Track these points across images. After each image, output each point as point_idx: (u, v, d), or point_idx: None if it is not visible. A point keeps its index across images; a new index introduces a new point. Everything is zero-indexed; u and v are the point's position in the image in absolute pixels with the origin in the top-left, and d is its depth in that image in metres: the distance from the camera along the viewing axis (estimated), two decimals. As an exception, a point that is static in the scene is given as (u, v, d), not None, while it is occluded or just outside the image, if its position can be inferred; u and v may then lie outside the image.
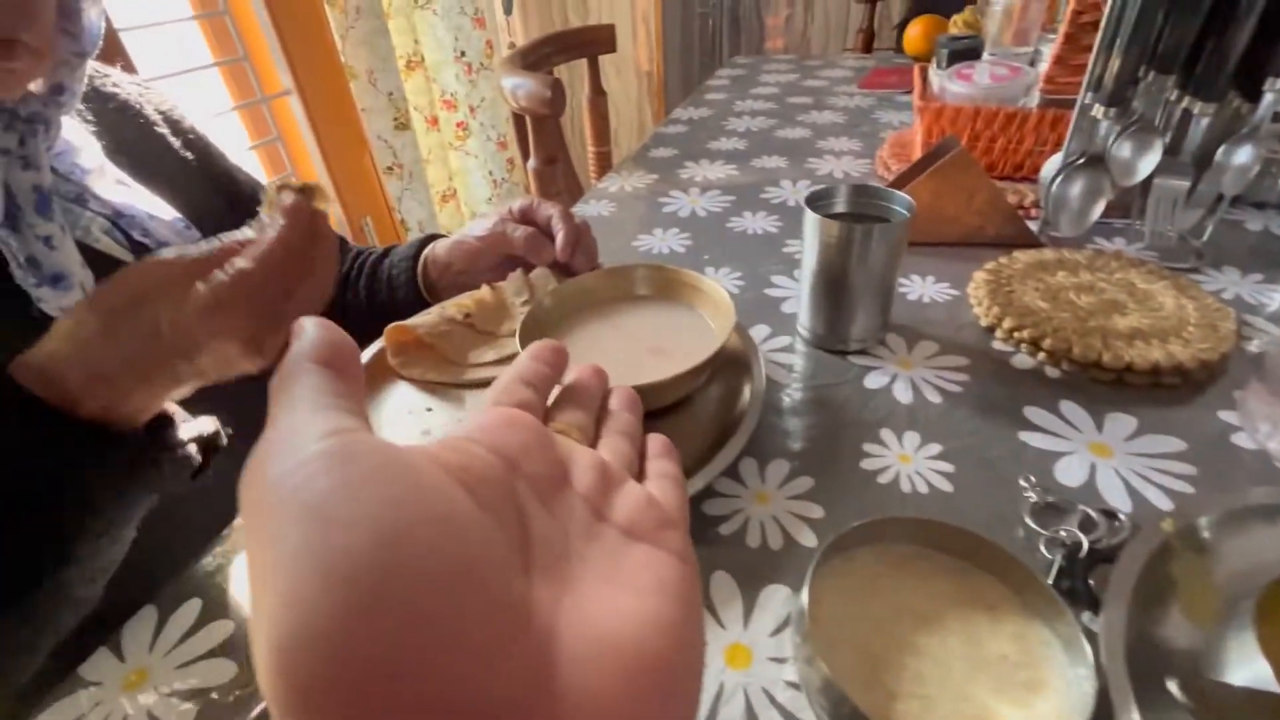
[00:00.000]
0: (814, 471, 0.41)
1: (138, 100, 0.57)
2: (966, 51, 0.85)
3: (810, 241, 0.49)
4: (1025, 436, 0.42)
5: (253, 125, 1.57)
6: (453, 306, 0.53)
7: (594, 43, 1.30)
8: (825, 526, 0.37)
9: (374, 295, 0.65)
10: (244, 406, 0.32)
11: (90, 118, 0.52)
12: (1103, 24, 0.54)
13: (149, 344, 0.30)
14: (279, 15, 1.47)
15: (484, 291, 0.54)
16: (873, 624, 0.29)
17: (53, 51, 0.42)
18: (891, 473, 0.41)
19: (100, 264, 0.44)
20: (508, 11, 2.16)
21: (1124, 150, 0.58)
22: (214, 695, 0.31)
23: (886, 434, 0.44)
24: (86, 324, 0.31)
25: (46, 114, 0.42)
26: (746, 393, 0.45)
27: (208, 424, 0.39)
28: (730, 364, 0.48)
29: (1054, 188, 0.62)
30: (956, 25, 1.05)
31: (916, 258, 0.64)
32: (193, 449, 0.37)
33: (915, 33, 1.19)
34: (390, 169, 1.70)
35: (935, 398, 0.47)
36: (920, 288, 0.60)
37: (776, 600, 0.33)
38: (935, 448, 0.42)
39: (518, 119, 1.11)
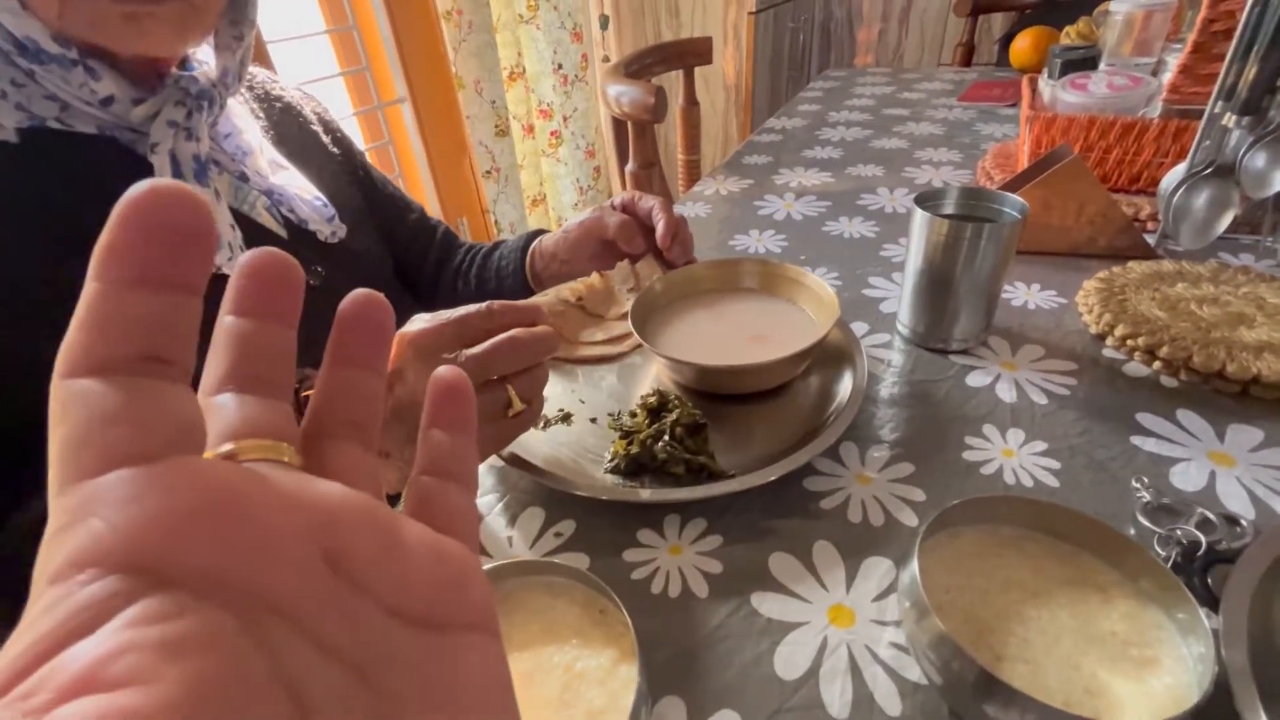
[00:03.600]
0: (914, 459, 0.42)
1: (298, 102, 0.65)
2: (1082, 61, 0.83)
3: (917, 240, 0.50)
4: (1138, 441, 0.42)
5: (368, 129, 1.70)
6: (567, 290, 0.57)
7: (692, 54, 1.34)
8: (927, 508, 0.38)
9: (484, 284, 0.70)
10: None
11: (260, 114, 0.60)
12: (1239, 30, 0.53)
13: (406, 432, 0.36)
14: (400, 29, 1.59)
15: (594, 278, 0.58)
16: (979, 594, 0.30)
17: (224, 47, 0.49)
18: (995, 465, 0.41)
19: (257, 233, 0.51)
20: (604, 27, 2.24)
21: (1258, 161, 0.56)
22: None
23: (989, 429, 0.44)
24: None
25: (211, 94, 0.49)
26: (846, 382, 0.47)
27: None
28: (830, 356, 0.50)
29: (1175, 199, 0.60)
30: (1070, 36, 1.02)
31: (1022, 265, 0.64)
32: None
33: (1024, 44, 1.16)
34: (488, 173, 1.81)
35: (1040, 399, 0.47)
36: (1025, 294, 0.60)
37: (879, 570, 0.35)
38: (1040, 445, 0.42)
39: (617, 125, 1.16)
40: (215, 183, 0.49)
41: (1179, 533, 0.34)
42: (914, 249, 0.50)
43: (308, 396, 0.35)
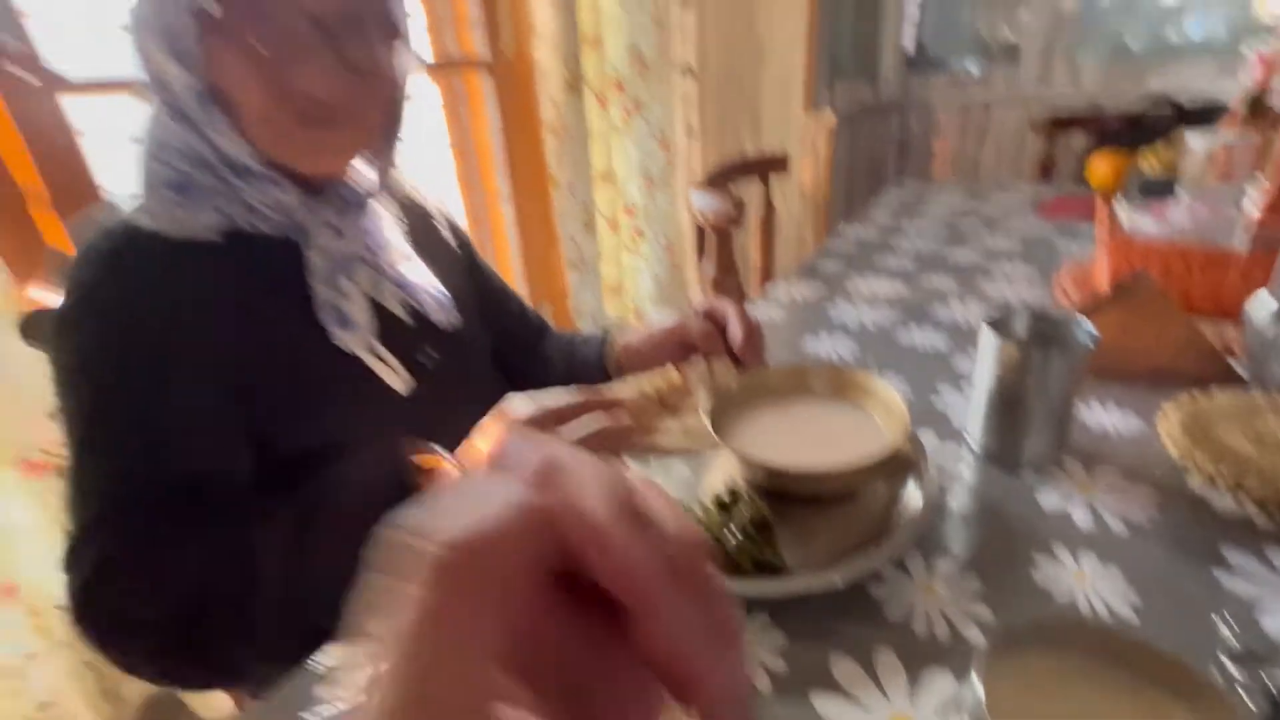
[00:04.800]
0: (982, 575, 0.42)
1: (428, 203, 0.76)
2: (1159, 189, 0.84)
3: (985, 360, 0.52)
4: (1222, 577, 0.41)
5: (471, 217, 1.89)
6: (646, 383, 0.62)
7: (771, 165, 1.44)
8: (993, 626, 0.39)
9: (570, 370, 0.77)
10: None
11: (398, 212, 0.70)
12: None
13: None
14: (510, 135, 1.80)
15: (672, 373, 0.63)
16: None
17: (378, 156, 0.59)
18: (1066, 589, 0.41)
19: (387, 319, 0.59)
20: (690, 137, 2.43)
21: (1349, 298, 0.55)
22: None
23: (1062, 552, 0.44)
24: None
25: (360, 199, 0.58)
26: (913, 492, 0.48)
27: None
28: (898, 465, 0.51)
29: (1264, 329, 0.60)
30: (1148, 161, 1.04)
31: (1101, 386, 0.64)
32: None
33: (1101, 167, 1.18)
34: (573, 263, 1.94)
35: (1118, 525, 0.46)
36: (1103, 416, 0.60)
37: (942, 683, 0.35)
38: (1116, 572, 0.42)
39: (698, 230, 1.25)
40: (358, 275, 0.58)
41: (1267, 680, 0.33)
42: (983, 368, 0.52)
43: (429, 465, 0.42)
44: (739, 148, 2.42)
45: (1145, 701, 0.31)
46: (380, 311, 0.59)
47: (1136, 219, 0.78)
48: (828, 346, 0.78)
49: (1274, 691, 0.33)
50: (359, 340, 0.56)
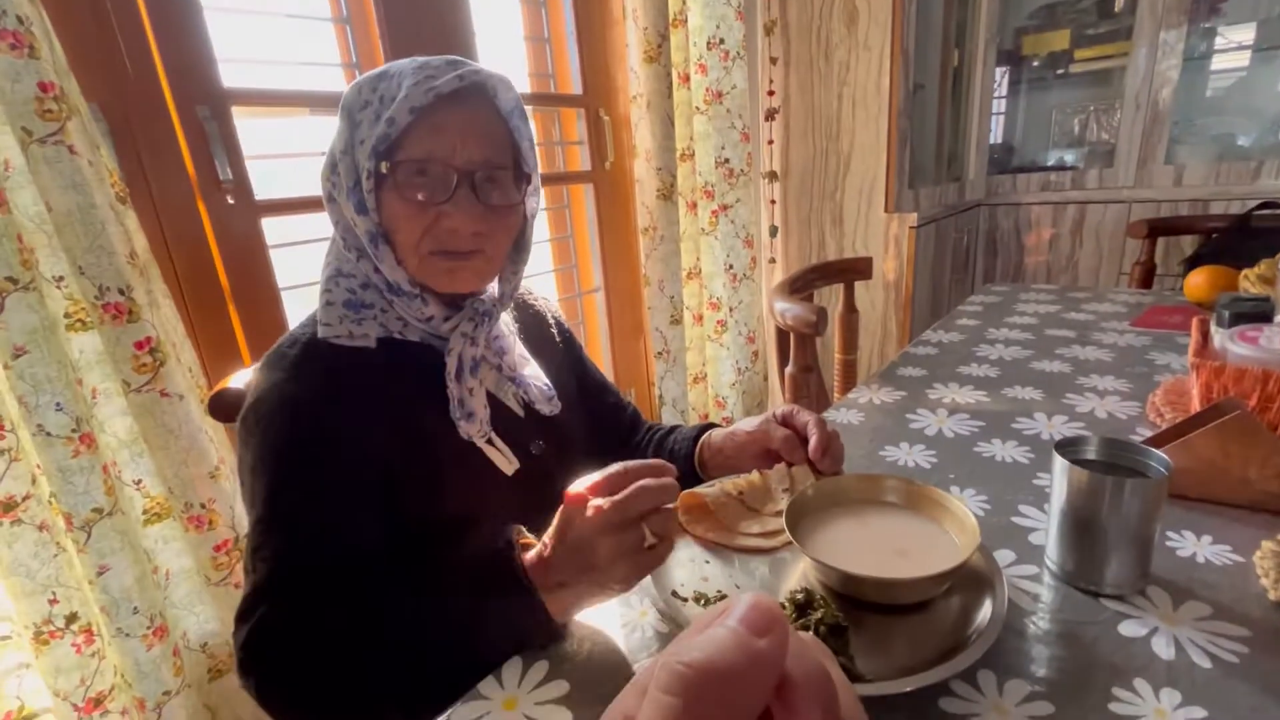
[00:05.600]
0: (1055, 700, 0.44)
1: (542, 308, 0.88)
2: (1255, 310, 0.84)
3: (1059, 483, 0.54)
4: (1319, 729, 0.40)
5: (566, 309, 2.06)
6: (730, 484, 0.68)
7: (853, 271, 1.51)
8: (1065, 754, 0.40)
9: None
10: None
11: (516, 316, 0.82)
12: None
13: (579, 565, 0.50)
14: (606, 236, 1.98)
15: (755, 475, 0.68)
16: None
17: (505, 279, 0.71)
18: (1144, 723, 0.42)
19: (501, 410, 0.69)
20: (773, 235, 2.55)
21: None
22: (555, 732, 0.44)
23: (1141, 684, 0.44)
24: (558, 552, 0.52)
25: (490, 311, 0.70)
26: (986, 609, 0.50)
27: None
28: (972, 580, 0.54)
29: (1371, 466, 0.58)
30: (1249, 279, 1.02)
31: (1192, 514, 0.63)
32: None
33: (1199, 281, 1.16)
34: (660, 354, 2.05)
35: (1204, 662, 0.46)
36: (1194, 545, 0.59)
37: (1010, 805, 0.37)
38: (1199, 712, 0.42)
39: (780, 333, 1.32)
40: (482, 374, 0.69)
41: (1357, 840, 0.33)
42: (1056, 491, 0.55)
43: (525, 544, 0.52)
44: (821, 243, 2.51)
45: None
46: (495, 404, 0.70)
47: (1228, 340, 0.78)
48: (906, 455, 0.81)
49: None
50: (479, 431, 0.66)
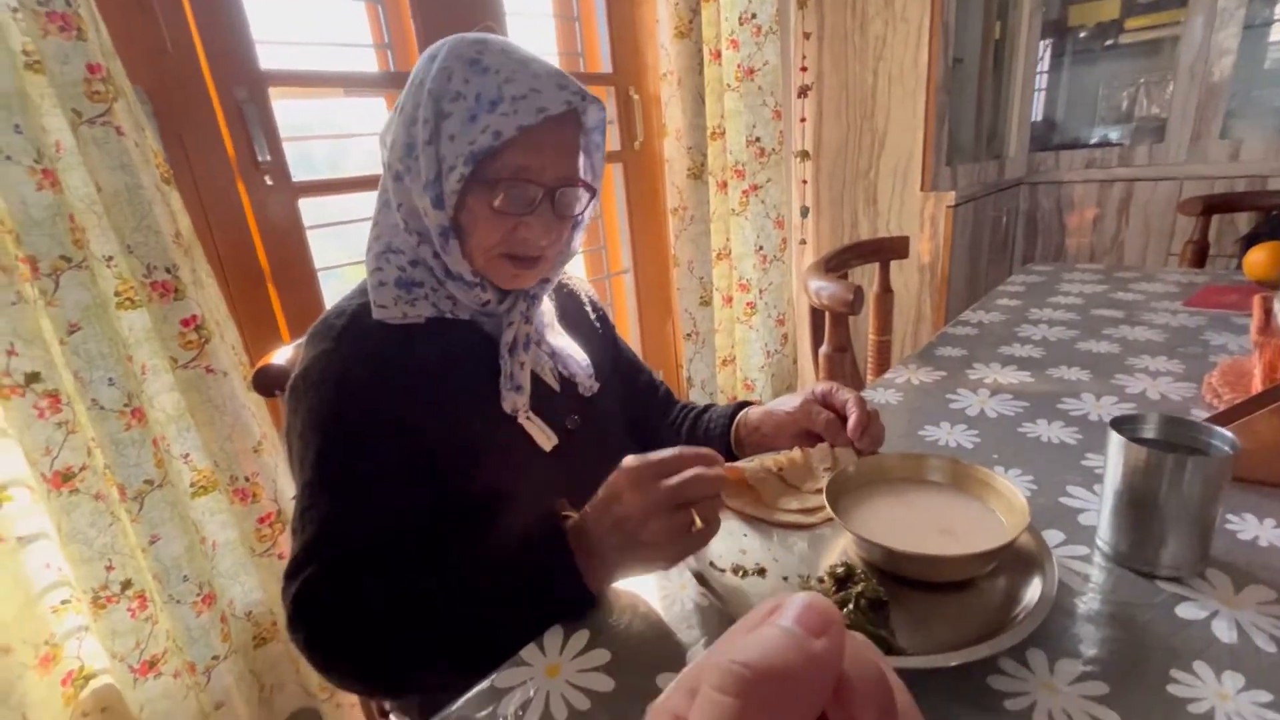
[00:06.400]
0: (1110, 680, 0.42)
1: (578, 289, 0.88)
2: (1326, 288, 0.79)
3: (1114, 462, 0.52)
4: (1396, 716, 0.38)
5: (596, 293, 2.06)
6: (770, 460, 0.67)
7: (889, 250, 1.47)
8: (1122, 734, 0.39)
9: (693, 440, 0.83)
10: None
11: (553, 296, 0.82)
12: None
13: (621, 540, 0.50)
14: (635, 217, 1.97)
15: (796, 453, 0.67)
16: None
17: (554, 266, 0.71)
18: (1206, 706, 0.40)
19: (539, 385, 0.70)
20: (804, 215, 2.50)
21: None
22: (601, 697, 0.45)
23: (1201, 667, 0.43)
24: (596, 513, 0.53)
25: (539, 293, 0.70)
26: (1034, 588, 0.49)
27: None
28: (1019, 560, 0.52)
29: None
30: (1316, 255, 0.97)
31: (1255, 497, 0.61)
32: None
33: (1260, 258, 1.11)
34: (689, 335, 2.04)
35: (1269, 646, 0.44)
36: (1256, 528, 0.57)
37: (1064, 783, 0.36)
38: (1264, 695, 0.40)
39: (814, 312, 1.30)
40: (529, 351, 0.69)
41: None
42: (1111, 470, 0.53)
43: (567, 515, 0.52)
44: (854, 224, 2.46)
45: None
46: (534, 381, 0.70)
47: (1296, 319, 0.74)
48: (947, 435, 0.79)
49: None
50: (524, 405, 0.66)
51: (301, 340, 0.73)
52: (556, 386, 0.74)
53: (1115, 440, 0.52)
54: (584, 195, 0.68)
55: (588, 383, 0.75)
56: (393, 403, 0.61)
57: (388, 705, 0.84)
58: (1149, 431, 0.55)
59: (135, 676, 1.04)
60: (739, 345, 2.27)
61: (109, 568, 0.98)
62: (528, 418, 0.67)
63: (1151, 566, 0.52)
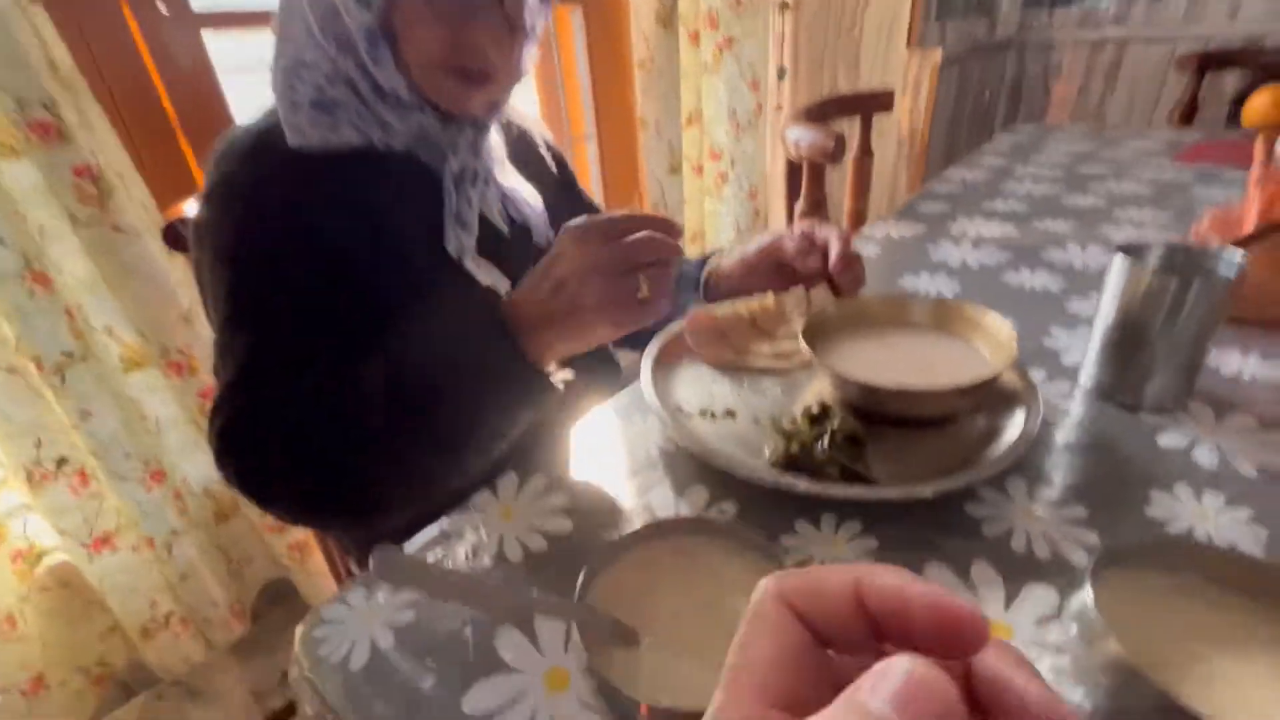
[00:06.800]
0: (1089, 504, 0.41)
1: (530, 128, 0.77)
2: (1334, 123, 0.74)
3: (1114, 289, 0.49)
4: (1373, 527, 0.38)
5: (558, 161, 1.91)
6: (742, 304, 0.62)
7: (872, 103, 1.37)
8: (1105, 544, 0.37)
9: None
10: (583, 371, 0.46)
11: (501, 131, 0.72)
12: None
13: (561, 304, 0.45)
14: (597, 71, 1.78)
15: (769, 298, 0.62)
16: (1157, 634, 0.30)
17: (504, 87, 0.61)
18: (1185, 524, 0.39)
19: (486, 228, 0.62)
20: (780, 78, 2.32)
21: None
22: (558, 539, 0.42)
23: (1182, 489, 0.42)
24: (532, 279, 0.47)
25: (487, 122, 0.61)
26: (1017, 423, 0.47)
27: (569, 373, 0.52)
28: (1002, 397, 0.50)
29: None
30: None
31: (1240, 334, 0.59)
32: (560, 385, 0.50)
33: (1261, 101, 1.05)
34: (656, 206, 1.93)
35: (1249, 470, 0.43)
36: (1240, 363, 0.55)
37: (1043, 597, 0.35)
38: (1245, 511, 0.39)
39: (790, 168, 1.21)
40: (477, 188, 0.61)
41: None
42: (1110, 298, 0.49)
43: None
44: (833, 89, 2.30)
45: (1274, 625, 0.30)
46: (482, 223, 0.62)
47: (1303, 154, 0.70)
48: (927, 285, 0.75)
49: None
50: (471, 247, 0.59)
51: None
52: (506, 230, 0.66)
53: (1119, 264, 0.48)
54: (536, 3, 0.56)
55: (543, 230, 0.68)
56: (313, 227, 0.53)
57: (353, 567, 0.83)
58: (1153, 260, 0.51)
59: (89, 552, 1.01)
60: (708, 219, 2.18)
61: (38, 444, 0.91)
62: (475, 262, 0.60)
63: (1135, 400, 0.50)
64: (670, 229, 0.46)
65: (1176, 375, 0.48)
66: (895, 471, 0.44)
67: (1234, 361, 0.55)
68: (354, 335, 0.55)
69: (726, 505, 0.43)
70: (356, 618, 0.37)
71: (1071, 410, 0.51)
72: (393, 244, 0.57)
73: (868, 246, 0.88)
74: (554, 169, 0.77)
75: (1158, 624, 0.30)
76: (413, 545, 0.42)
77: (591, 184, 1.96)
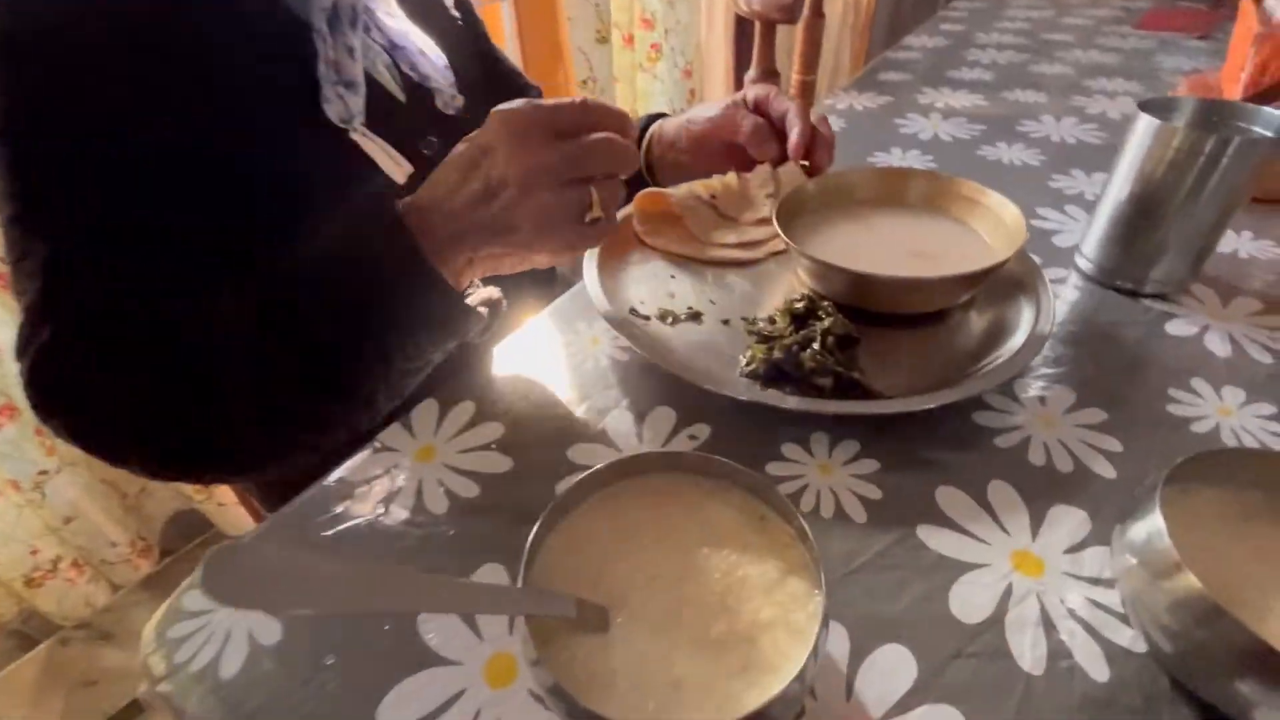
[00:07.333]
0: (1106, 406, 0.36)
1: None
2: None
3: (1133, 155, 0.42)
4: (1397, 416, 0.35)
5: (468, 27, 1.64)
6: (700, 186, 0.52)
7: (825, -43, 1.21)
8: (1125, 461, 0.33)
9: None
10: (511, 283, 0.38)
11: None
12: None
13: (487, 217, 0.34)
14: (509, -83, 1.50)
15: (731, 177, 0.52)
16: (1222, 560, 0.25)
17: None
18: (1209, 423, 0.35)
19: (374, 93, 0.47)
20: (719, -70, 2.06)
21: None
22: (494, 481, 0.33)
23: (1199, 384, 0.37)
24: (449, 177, 0.35)
25: None
26: (1020, 316, 0.41)
27: (494, 291, 0.41)
28: (1001, 286, 0.43)
29: None
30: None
31: (1244, 212, 0.54)
32: (483, 310, 0.39)
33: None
34: (585, 82, 1.73)
35: (1263, 357, 0.39)
36: (1235, 242, 0.51)
37: (1071, 521, 0.30)
38: (1267, 408, 0.36)
39: (739, 29, 1.07)
40: (356, 35, 0.46)
41: None
42: (1126, 165, 0.42)
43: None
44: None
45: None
46: (369, 86, 0.47)
47: (1300, 7, 0.63)
48: (900, 161, 0.67)
49: None
50: (358, 113, 0.45)
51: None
52: (401, 95, 0.51)
53: (1146, 123, 0.40)
54: None
55: (448, 91, 0.53)
56: (132, 79, 0.38)
57: (258, 506, 0.73)
58: (1184, 118, 0.44)
59: (-65, 503, 0.85)
60: (641, 98, 1.98)
61: None
62: (363, 133, 0.46)
63: (1139, 283, 0.45)
64: (624, 127, 0.35)
65: (1188, 254, 0.43)
66: (889, 380, 0.37)
67: (1229, 241, 0.51)
68: (198, 237, 0.41)
69: (698, 429, 0.36)
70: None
71: (1071, 299, 0.46)
72: (245, 108, 0.42)
73: (834, 121, 0.78)
74: (456, 15, 0.61)
75: (1223, 550, 0.25)
76: (305, 498, 0.33)
77: (511, 56, 1.71)
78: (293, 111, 0.44)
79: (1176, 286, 0.45)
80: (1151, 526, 0.24)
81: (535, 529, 0.24)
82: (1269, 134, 0.40)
